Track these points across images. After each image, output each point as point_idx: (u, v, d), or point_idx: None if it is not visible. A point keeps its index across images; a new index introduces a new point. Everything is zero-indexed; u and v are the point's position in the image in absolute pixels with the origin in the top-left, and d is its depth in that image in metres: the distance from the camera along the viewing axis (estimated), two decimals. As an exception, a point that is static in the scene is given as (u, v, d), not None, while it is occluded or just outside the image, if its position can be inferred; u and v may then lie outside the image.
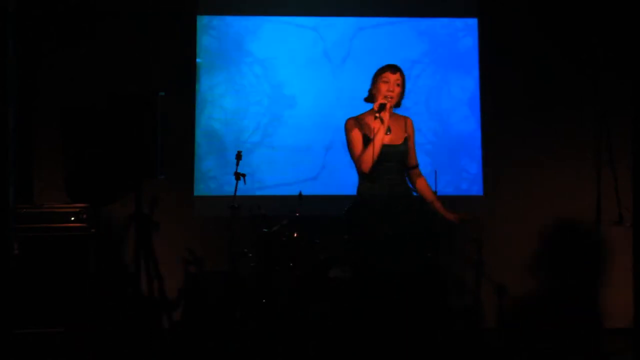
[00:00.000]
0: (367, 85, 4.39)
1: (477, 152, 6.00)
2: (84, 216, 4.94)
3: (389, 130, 4.29)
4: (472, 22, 6.06)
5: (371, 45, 6.01)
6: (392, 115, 4.31)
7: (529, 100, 5.97)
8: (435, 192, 4.45)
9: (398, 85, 4.29)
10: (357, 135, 4.28)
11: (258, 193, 5.85)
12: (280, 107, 5.99)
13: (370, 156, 4.19)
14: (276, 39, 6.02)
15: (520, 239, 5.89)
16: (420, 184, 4.46)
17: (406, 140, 4.35)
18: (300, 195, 5.25)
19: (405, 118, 4.43)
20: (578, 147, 5.89)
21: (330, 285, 4.97)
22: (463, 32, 6.07)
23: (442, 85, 6.04)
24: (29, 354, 4.75)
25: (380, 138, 4.19)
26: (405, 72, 4.36)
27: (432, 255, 4.72)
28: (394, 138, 4.31)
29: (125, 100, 5.09)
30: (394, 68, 4.32)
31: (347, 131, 4.32)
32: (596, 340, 5.21)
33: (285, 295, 4.97)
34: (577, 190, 5.78)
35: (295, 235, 5.13)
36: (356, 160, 4.28)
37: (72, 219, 4.93)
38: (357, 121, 4.32)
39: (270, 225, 5.19)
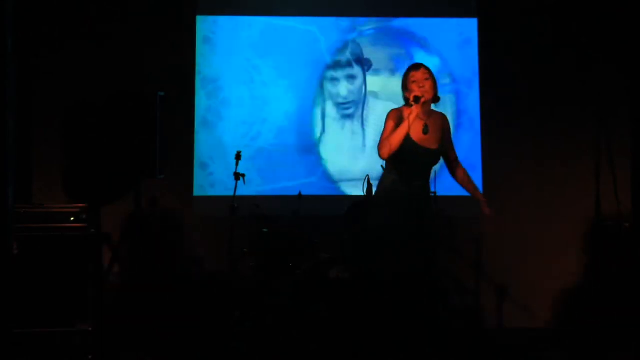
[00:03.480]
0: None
1: (477, 152, 5.99)
2: (84, 216, 4.93)
3: (426, 129, 4.24)
4: (472, 22, 6.06)
5: (371, 45, 6.01)
6: (431, 113, 4.29)
7: (529, 100, 5.97)
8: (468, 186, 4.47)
9: (427, 79, 4.24)
10: (390, 124, 4.20)
11: (258, 193, 5.84)
12: (280, 107, 5.99)
13: (389, 142, 4.11)
14: (276, 39, 6.01)
15: (520, 239, 5.89)
16: (460, 173, 4.45)
17: (442, 144, 4.31)
18: (300, 195, 5.25)
19: (442, 115, 4.41)
20: (578, 147, 5.88)
21: (330, 285, 4.97)
22: (463, 32, 6.06)
23: (442, 85, 6.01)
24: (29, 354, 4.75)
25: (406, 127, 4.10)
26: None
27: (432, 255, 4.71)
28: (431, 141, 4.27)
29: (125, 100, 5.09)
30: (416, 65, 4.30)
31: (386, 119, 4.24)
32: (596, 340, 5.21)
33: (285, 295, 4.96)
34: (577, 190, 5.78)
35: (295, 235, 5.13)
36: (379, 144, 4.19)
37: (72, 219, 4.92)
38: (398, 111, 4.25)
39: (270, 225, 5.18)
